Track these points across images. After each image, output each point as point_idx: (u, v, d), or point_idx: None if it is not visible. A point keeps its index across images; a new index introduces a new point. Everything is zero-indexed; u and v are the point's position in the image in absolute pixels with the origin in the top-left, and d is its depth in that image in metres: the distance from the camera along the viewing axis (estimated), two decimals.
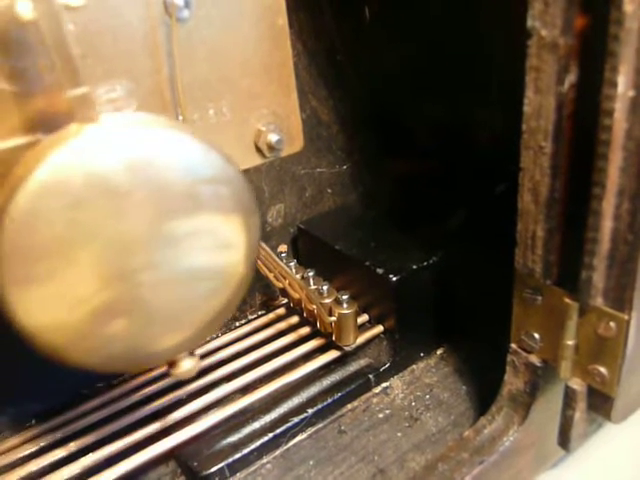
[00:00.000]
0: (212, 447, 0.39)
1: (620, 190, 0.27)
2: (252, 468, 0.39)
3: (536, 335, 0.34)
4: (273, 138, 0.32)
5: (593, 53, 0.26)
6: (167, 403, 0.41)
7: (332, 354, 0.46)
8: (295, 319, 0.50)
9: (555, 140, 0.28)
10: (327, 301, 0.45)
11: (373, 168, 0.57)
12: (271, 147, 0.32)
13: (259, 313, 0.53)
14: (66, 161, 0.22)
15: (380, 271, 0.44)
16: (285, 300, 0.53)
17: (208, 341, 0.49)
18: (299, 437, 0.41)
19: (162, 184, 0.24)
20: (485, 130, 0.47)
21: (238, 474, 0.39)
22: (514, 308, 0.35)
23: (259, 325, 0.50)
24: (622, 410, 0.32)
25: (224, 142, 0.31)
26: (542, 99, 0.28)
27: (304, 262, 0.52)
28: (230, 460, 0.38)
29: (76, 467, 0.37)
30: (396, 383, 0.46)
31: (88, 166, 0.22)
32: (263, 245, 0.38)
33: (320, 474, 0.39)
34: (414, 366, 0.47)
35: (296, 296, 0.47)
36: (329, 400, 0.42)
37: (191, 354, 0.29)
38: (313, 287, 0.47)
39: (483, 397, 0.43)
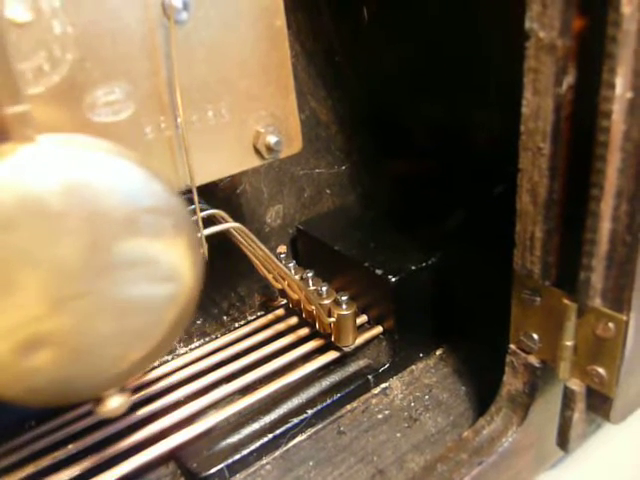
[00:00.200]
0: (212, 448, 0.39)
1: (618, 191, 0.27)
2: (252, 469, 0.39)
3: (535, 336, 0.34)
4: (272, 140, 0.32)
5: (591, 55, 0.26)
6: (167, 404, 0.41)
7: (331, 355, 0.46)
8: (294, 320, 0.50)
9: (553, 141, 0.28)
10: (326, 302, 0.45)
11: (372, 169, 0.57)
12: (270, 148, 0.32)
13: (258, 314, 0.53)
14: None
15: (379, 272, 0.44)
16: (284, 301, 0.53)
17: (207, 342, 0.49)
18: (298, 438, 0.41)
19: (99, 209, 0.23)
20: (483, 131, 0.47)
21: (238, 475, 0.39)
22: (513, 309, 0.35)
23: (258, 326, 0.50)
24: (621, 411, 0.32)
25: (223, 144, 0.31)
26: (540, 100, 0.28)
27: (303, 263, 0.52)
28: (230, 461, 0.38)
29: (76, 469, 0.37)
30: (395, 384, 0.46)
31: (21, 186, 0.21)
32: (262, 246, 0.38)
33: (319, 475, 0.39)
34: (413, 367, 0.47)
35: (295, 297, 0.47)
36: (328, 401, 0.43)
37: (121, 390, 0.27)
38: (312, 288, 0.47)
39: (482, 398, 0.43)
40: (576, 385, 0.32)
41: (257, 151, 0.32)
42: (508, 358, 0.36)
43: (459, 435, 0.40)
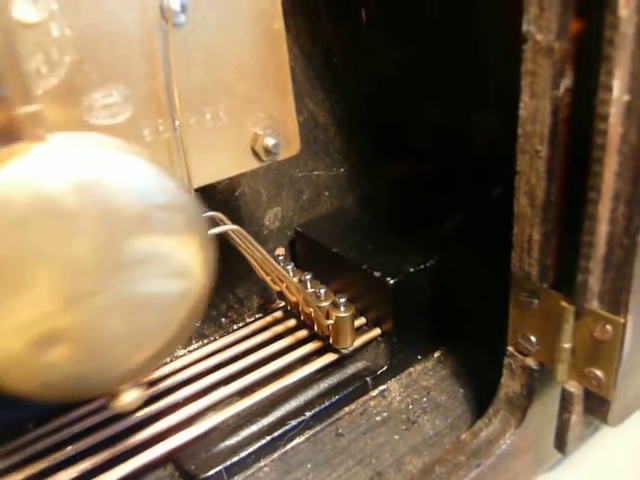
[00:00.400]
0: (210, 450, 0.39)
1: (616, 194, 0.27)
2: (250, 471, 0.39)
3: (532, 338, 0.34)
4: (270, 142, 0.32)
5: (588, 57, 0.26)
6: (165, 406, 0.41)
7: (329, 357, 0.46)
8: (292, 322, 0.50)
9: (551, 144, 0.28)
10: (324, 304, 0.45)
11: (370, 171, 0.57)
12: (268, 151, 0.32)
13: (256, 316, 0.53)
14: (11, 179, 0.22)
15: (377, 274, 0.44)
16: (282, 303, 0.53)
17: (205, 344, 0.49)
18: (297, 440, 0.41)
19: (112, 207, 0.23)
20: (482, 133, 0.47)
21: (236, 477, 0.39)
22: (511, 311, 0.35)
23: (256, 328, 0.50)
24: (618, 413, 0.32)
25: (221, 146, 0.31)
26: (538, 103, 0.28)
27: (301, 265, 0.52)
28: (228, 463, 0.38)
29: (74, 471, 0.37)
30: (393, 386, 0.46)
31: (34, 185, 0.22)
32: (260, 248, 0.38)
33: (318, 477, 0.39)
34: (411, 369, 0.47)
35: (293, 299, 0.47)
36: (326, 403, 0.42)
37: (136, 384, 0.28)
38: (310, 290, 0.47)
39: (480, 400, 0.43)
40: (574, 387, 0.32)
41: (255, 153, 0.32)
42: (506, 360, 0.36)
43: (457, 437, 0.40)
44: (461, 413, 0.43)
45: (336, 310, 0.44)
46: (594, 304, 0.30)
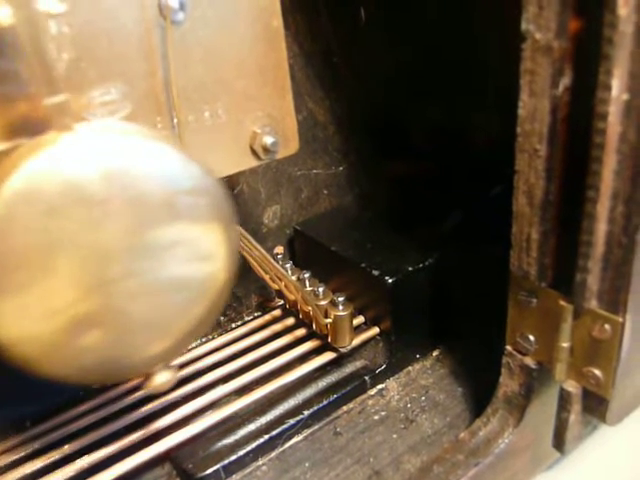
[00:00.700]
0: (208, 449, 0.39)
1: (614, 193, 0.27)
2: (248, 470, 0.39)
3: (531, 337, 0.34)
4: (268, 140, 0.32)
5: (587, 56, 0.26)
6: (163, 405, 0.41)
7: (328, 356, 0.46)
8: (291, 321, 0.50)
9: (550, 143, 0.28)
10: (323, 303, 0.45)
11: (369, 169, 0.57)
12: (266, 149, 0.32)
13: (255, 315, 0.53)
14: (41, 169, 0.22)
15: (376, 273, 0.44)
16: (281, 302, 0.53)
17: (203, 343, 0.49)
18: (295, 439, 0.41)
19: (139, 194, 0.24)
20: (481, 133, 0.47)
21: (234, 476, 0.39)
22: (509, 310, 0.35)
23: (255, 327, 0.50)
24: (617, 412, 0.32)
25: (219, 144, 0.31)
26: (537, 102, 0.28)
27: (300, 264, 0.52)
28: (226, 462, 0.38)
29: (70, 469, 0.37)
30: (392, 385, 0.46)
31: (63, 174, 0.22)
32: (259, 247, 0.38)
33: (316, 476, 0.39)
34: (410, 368, 0.47)
35: (292, 298, 0.47)
36: (325, 402, 0.42)
37: (168, 366, 0.28)
38: (309, 289, 0.47)
39: (479, 399, 0.43)
40: (572, 387, 0.32)
41: (254, 152, 0.32)
42: (504, 359, 0.36)
43: (455, 436, 0.40)
44: (460, 412, 0.43)
45: (335, 309, 0.44)
46: (593, 303, 0.30)
